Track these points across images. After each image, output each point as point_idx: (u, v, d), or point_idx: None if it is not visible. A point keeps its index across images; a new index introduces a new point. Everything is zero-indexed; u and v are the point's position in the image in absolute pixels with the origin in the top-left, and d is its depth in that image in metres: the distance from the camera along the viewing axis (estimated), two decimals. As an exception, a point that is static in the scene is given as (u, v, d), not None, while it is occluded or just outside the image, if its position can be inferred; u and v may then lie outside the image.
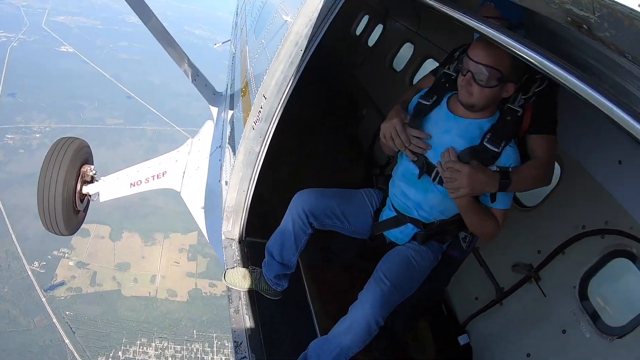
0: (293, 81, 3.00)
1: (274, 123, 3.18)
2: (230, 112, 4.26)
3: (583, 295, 3.18)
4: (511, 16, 2.67)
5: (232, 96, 4.71)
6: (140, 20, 4.50)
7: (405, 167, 2.87)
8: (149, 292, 53.97)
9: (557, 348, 3.25)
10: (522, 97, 2.63)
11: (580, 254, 3.27)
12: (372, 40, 6.62)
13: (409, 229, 2.96)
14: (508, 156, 2.59)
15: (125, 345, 47.64)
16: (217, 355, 49.67)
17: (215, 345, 50.11)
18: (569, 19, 1.27)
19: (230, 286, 3.51)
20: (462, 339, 3.87)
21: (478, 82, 2.47)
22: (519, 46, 1.72)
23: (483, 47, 2.43)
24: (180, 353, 49.04)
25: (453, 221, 2.88)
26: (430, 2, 2.40)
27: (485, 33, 1.97)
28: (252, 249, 3.83)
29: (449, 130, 2.68)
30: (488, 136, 2.59)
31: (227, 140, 4.01)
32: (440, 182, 2.65)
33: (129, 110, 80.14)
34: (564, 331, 3.22)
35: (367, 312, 2.60)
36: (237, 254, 3.74)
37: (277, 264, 3.23)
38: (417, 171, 2.76)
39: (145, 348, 48.34)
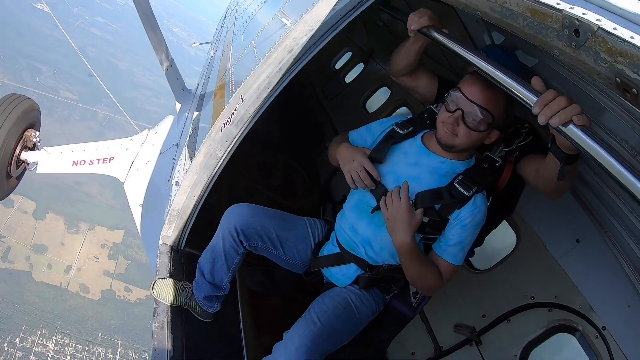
0: (276, 89, 2.78)
1: (244, 129, 2.94)
2: (196, 113, 4.02)
3: None
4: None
5: (201, 97, 4.47)
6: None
7: (359, 198, 2.58)
8: (61, 282, 51.44)
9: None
10: (503, 148, 2.49)
11: (526, 324, 3.30)
12: (350, 77, 6.62)
13: (351, 270, 2.64)
14: (475, 206, 2.33)
15: (25, 332, 44.58)
16: None
17: (118, 353, 47.90)
18: (618, 80, 1.15)
19: (158, 299, 3.15)
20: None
21: (467, 123, 2.22)
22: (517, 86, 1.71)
23: (481, 86, 2.18)
24: (81, 354, 46.40)
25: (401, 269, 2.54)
26: (433, 34, 2.31)
27: (483, 69, 1.90)
28: (188, 260, 3.50)
29: (418, 164, 2.44)
30: (460, 178, 2.36)
31: (187, 140, 3.73)
32: None
33: (86, 88, 76.77)
34: (501, 399, 3.19)
35: (290, 355, 2.24)
36: (172, 263, 3.41)
37: (207, 284, 2.92)
38: (373, 203, 2.47)
39: (45, 340, 45.42)
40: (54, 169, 4.89)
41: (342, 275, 2.66)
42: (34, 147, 4.87)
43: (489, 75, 1.85)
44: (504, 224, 3.62)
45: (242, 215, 2.71)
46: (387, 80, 5.84)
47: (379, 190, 2.45)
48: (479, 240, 2.60)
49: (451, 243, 2.35)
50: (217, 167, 3.12)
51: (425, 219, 2.33)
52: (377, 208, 2.43)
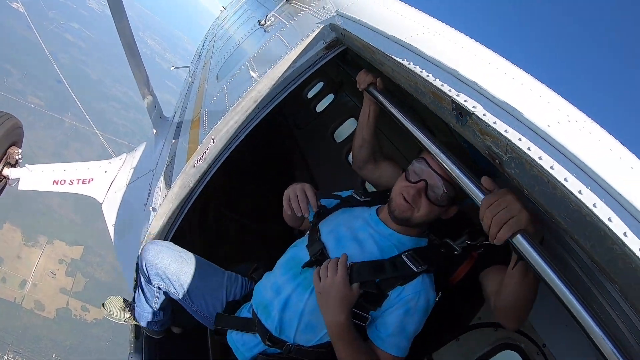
0: (243, 132, 3.12)
1: (215, 166, 3.26)
2: (174, 141, 4.28)
3: None
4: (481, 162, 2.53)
5: (179, 124, 4.73)
6: (112, 16, 4.39)
7: (294, 254, 2.35)
8: (15, 298, 49.66)
9: None
10: (466, 241, 2.16)
11: (474, 342, 3.54)
12: (321, 107, 6.81)
13: (253, 343, 2.30)
14: (422, 287, 2.06)
15: (-28, 351, 42.48)
16: None
17: None
18: (487, 152, 1.55)
19: (107, 315, 3.18)
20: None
21: (430, 196, 2.07)
22: (457, 171, 1.86)
23: None
24: None
25: (312, 352, 2.18)
26: (377, 95, 2.57)
27: (427, 148, 2.06)
28: None
29: (366, 230, 2.24)
30: (410, 252, 2.12)
31: (164, 168, 4.00)
32: None
33: (55, 95, 75.39)
34: (447, 415, 3.43)
35: None
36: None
37: (144, 312, 2.93)
38: (306, 258, 2.22)
39: (-5, 360, 43.21)
40: (35, 186, 5.00)
41: (243, 345, 2.34)
42: (15, 164, 4.99)
43: (432, 155, 2.03)
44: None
45: (148, 252, 2.58)
46: (355, 112, 6.01)
47: (315, 247, 2.23)
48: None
49: (392, 331, 2.03)
50: (191, 197, 3.40)
51: (361, 290, 2.03)
52: (309, 264, 2.20)
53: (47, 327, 48.96)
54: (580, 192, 1.23)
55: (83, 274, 55.45)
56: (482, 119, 1.51)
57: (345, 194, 2.58)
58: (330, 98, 6.71)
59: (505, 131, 1.43)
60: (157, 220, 3.53)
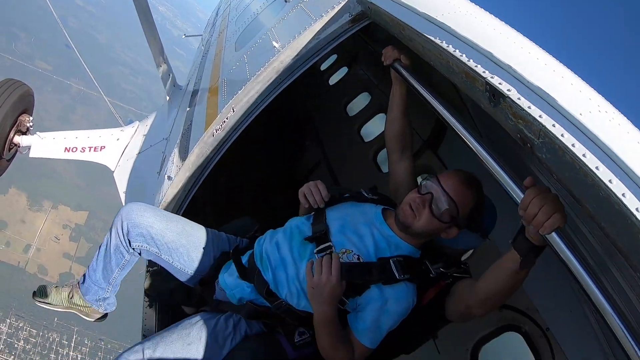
0: (264, 103, 3.12)
1: (234, 136, 3.26)
2: (188, 109, 4.27)
3: (474, 359, 3.54)
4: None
5: (194, 93, 4.71)
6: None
7: (299, 223, 2.50)
8: (19, 262, 50.19)
9: (444, 405, 3.55)
10: (441, 268, 2.36)
11: (478, 321, 3.61)
12: (334, 79, 6.81)
13: (246, 291, 2.46)
14: (403, 292, 2.24)
15: (-23, 315, 42.85)
16: (73, 352, 46.21)
17: (74, 340, 46.96)
18: (519, 135, 1.58)
19: (41, 303, 2.99)
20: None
21: (433, 209, 2.23)
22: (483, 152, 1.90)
23: (458, 181, 2.26)
24: (35, 339, 45.33)
25: (299, 316, 2.38)
26: (402, 71, 2.57)
27: (447, 120, 2.12)
28: None
29: (368, 226, 2.39)
30: (399, 259, 2.28)
31: (179, 137, 4.00)
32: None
33: (63, 59, 74.34)
34: (451, 388, 3.53)
35: None
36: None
37: (94, 286, 2.81)
38: (309, 233, 2.40)
39: (-2, 322, 43.73)
40: (46, 154, 5.04)
41: (236, 287, 2.49)
42: (26, 132, 5.01)
43: (463, 138, 2.02)
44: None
45: (131, 212, 2.55)
46: (368, 86, 6.07)
47: (319, 227, 2.39)
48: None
49: (368, 325, 2.22)
50: (208, 166, 3.41)
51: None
52: (311, 239, 2.36)
53: None
54: (610, 181, 1.26)
55: (87, 239, 55.62)
56: (516, 103, 1.53)
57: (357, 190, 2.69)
58: (344, 71, 6.70)
59: (540, 116, 1.45)
60: (173, 188, 3.55)
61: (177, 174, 3.51)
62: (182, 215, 3.64)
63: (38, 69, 70.08)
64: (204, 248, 2.63)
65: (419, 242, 2.37)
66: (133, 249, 2.59)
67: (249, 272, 2.46)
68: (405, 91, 2.73)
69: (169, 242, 2.55)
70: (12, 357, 42.83)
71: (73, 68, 73.69)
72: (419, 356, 3.82)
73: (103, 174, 4.96)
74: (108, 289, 2.82)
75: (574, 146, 1.35)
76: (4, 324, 44.43)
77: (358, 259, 2.29)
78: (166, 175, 3.85)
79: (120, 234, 2.55)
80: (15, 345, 43.67)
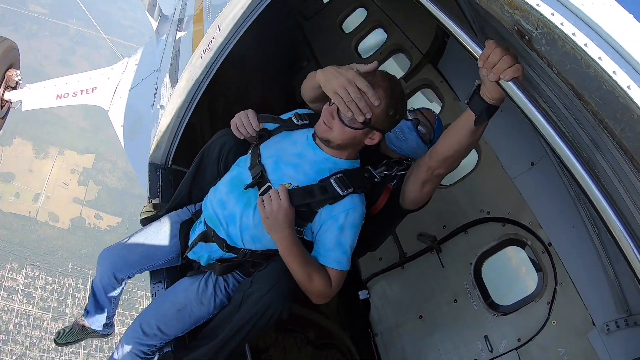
0: (251, 18, 2.94)
1: (222, 56, 3.12)
2: (176, 36, 4.10)
3: (477, 272, 3.61)
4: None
5: (179, 21, 4.51)
6: None
7: (237, 173, 2.47)
8: (29, 212, 50.32)
9: (447, 314, 3.68)
10: (384, 171, 2.42)
11: (481, 236, 3.69)
12: (328, -3, 6.58)
13: (213, 250, 2.52)
14: (351, 204, 2.24)
15: (-7, 267, 43.68)
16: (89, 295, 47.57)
17: (89, 283, 46.77)
18: (516, 28, 1.48)
19: (61, 345, 3.47)
20: (362, 294, 4.18)
21: (342, 118, 2.16)
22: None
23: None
24: (51, 286, 46.05)
25: (264, 255, 2.44)
26: None
27: (451, 30, 1.87)
28: (176, 176, 3.77)
29: (302, 156, 2.36)
30: (338, 176, 2.27)
31: (169, 65, 3.86)
32: None
33: (57, 1, 70.68)
34: (455, 300, 3.66)
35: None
36: (160, 180, 3.67)
37: (99, 315, 3.13)
38: (249, 180, 2.37)
39: (14, 274, 44.98)
40: (38, 104, 4.97)
41: (206, 253, 2.56)
42: (16, 86, 4.93)
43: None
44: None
45: (111, 261, 2.77)
46: (363, 0, 5.89)
47: (256, 169, 2.38)
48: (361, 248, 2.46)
49: (330, 247, 2.23)
50: (199, 89, 3.31)
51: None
52: (251, 185, 2.36)
53: (62, 238, 49.89)
54: (614, 72, 1.18)
55: (95, 182, 55.51)
56: None
57: (286, 116, 2.64)
58: (337, -13, 6.42)
59: (537, 5, 1.33)
60: (166, 117, 3.47)
61: (169, 102, 3.42)
62: (179, 143, 3.62)
63: (32, 13, 66.83)
64: (171, 232, 2.75)
65: (352, 153, 2.35)
66: (124, 280, 2.86)
67: (207, 235, 2.52)
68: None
69: (146, 258, 2.75)
70: (31, 306, 43.94)
71: (68, 8, 69.34)
72: (424, 270, 3.96)
73: (107, 115, 4.89)
74: (109, 313, 3.13)
75: (574, 35, 1.25)
76: (20, 275, 45.00)
77: (298, 188, 2.29)
78: (159, 105, 3.75)
79: (111, 278, 2.78)
80: (33, 294, 44.56)
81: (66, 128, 56.45)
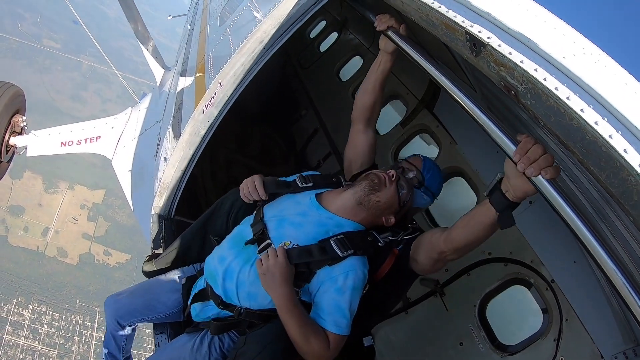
0: (250, 75, 3.09)
1: (224, 111, 3.25)
2: (178, 89, 4.23)
3: (482, 314, 3.57)
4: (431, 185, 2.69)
5: (182, 72, 4.67)
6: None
7: (240, 231, 2.56)
8: (38, 246, 49.87)
9: (454, 358, 3.62)
10: (389, 236, 2.47)
11: (484, 277, 3.66)
12: (325, 46, 6.74)
13: (210, 308, 2.56)
14: (350, 266, 2.26)
15: (0, 301, 43.47)
16: (96, 332, 45.84)
17: (97, 320, 46.74)
18: (502, 83, 1.56)
19: None
20: (367, 341, 4.13)
21: (401, 183, 2.46)
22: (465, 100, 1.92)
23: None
24: (58, 322, 45.47)
25: (260, 315, 2.42)
26: (397, 39, 2.50)
27: (441, 82, 2.09)
28: (179, 227, 3.82)
29: (306, 215, 2.44)
30: (339, 237, 2.32)
31: (171, 118, 3.98)
32: None
33: (71, 36, 72.21)
34: (461, 343, 3.60)
35: None
36: (164, 231, 3.73)
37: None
38: (250, 236, 2.44)
39: (21, 309, 44.37)
40: (43, 151, 5.10)
41: (202, 311, 2.60)
42: (21, 132, 5.06)
43: (458, 101, 1.99)
44: (464, 185, 3.96)
45: (114, 308, 2.88)
46: (359, 49, 6.01)
47: (258, 227, 2.44)
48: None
49: (328, 310, 2.22)
50: (201, 143, 3.42)
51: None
52: (251, 241, 2.41)
53: (71, 274, 49.33)
54: (596, 123, 1.24)
55: (105, 217, 55.33)
56: (497, 50, 1.50)
57: (291, 178, 2.72)
58: (334, 37, 6.62)
59: (521, 62, 1.42)
60: (169, 169, 3.56)
61: (172, 154, 3.51)
62: (182, 194, 3.70)
63: (46, 47, 68.23)
64: (173, 286, 2.81)
65: (364, 220, 2.44)
66: (123, 327, 2.91)
67: (205, 292, 2.57)
68: (389, 67, 2.71)
69: (147, 308, 2.82)
70: (37, 342, 43.21)
71: (82, 44, 71.24)
72: (428, 314, 3.92)
73: (110, 163, 5.00)
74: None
75: (557, 89, 1.33)
76: (27, 310, 44.46)
77: (297, 247, 2.33)
78: (162, 157, 3.85)
79: (115, 325, 2.86)
80: (39, 330, 43.96)
81: (76, 163, 56.26)
